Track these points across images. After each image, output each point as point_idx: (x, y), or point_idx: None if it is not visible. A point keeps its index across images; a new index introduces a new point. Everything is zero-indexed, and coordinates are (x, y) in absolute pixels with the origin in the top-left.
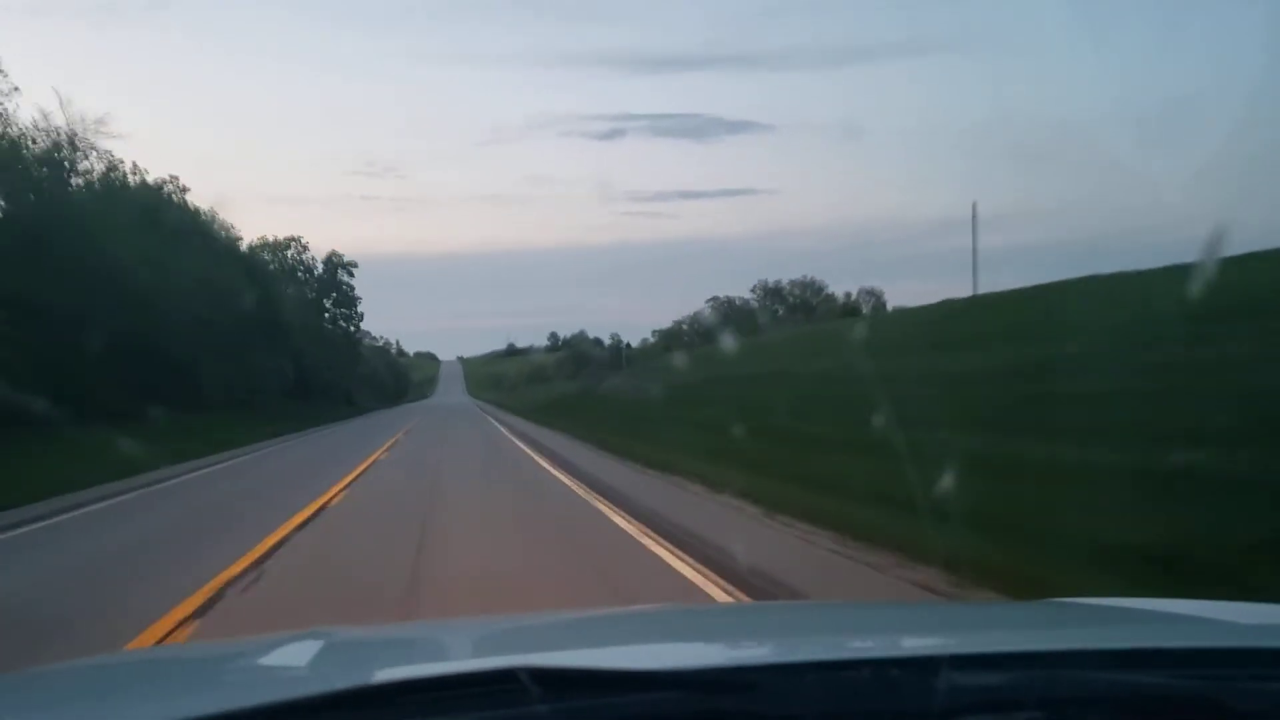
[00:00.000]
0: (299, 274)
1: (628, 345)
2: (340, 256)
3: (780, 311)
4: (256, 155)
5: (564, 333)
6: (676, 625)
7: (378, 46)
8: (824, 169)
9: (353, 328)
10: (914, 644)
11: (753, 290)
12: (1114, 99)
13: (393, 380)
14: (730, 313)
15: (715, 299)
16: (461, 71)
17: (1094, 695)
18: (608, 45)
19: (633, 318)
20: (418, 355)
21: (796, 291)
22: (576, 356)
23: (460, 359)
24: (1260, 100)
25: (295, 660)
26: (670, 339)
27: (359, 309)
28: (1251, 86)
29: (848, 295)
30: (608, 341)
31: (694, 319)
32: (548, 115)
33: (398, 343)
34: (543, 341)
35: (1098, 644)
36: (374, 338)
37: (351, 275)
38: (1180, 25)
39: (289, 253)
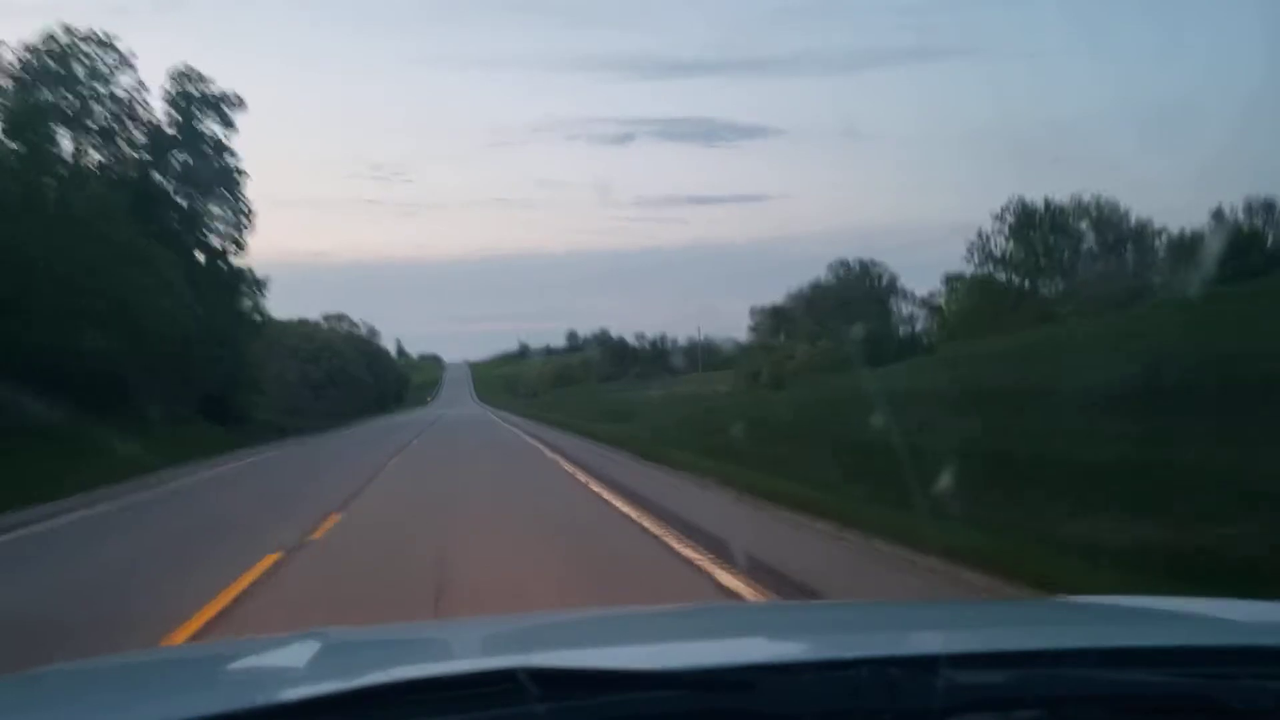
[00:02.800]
0: (107, 116)
1: (731, 339)
2: (204, 83)
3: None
4: (262, 157)
5: (583, 332)
6: (675, 625)
7: (383, 50)
8: (836, 174)
9: (230, 244)
10: (913, 643)
11: (999, 216)
12: (1126, 101)
13: (374, 380)
14: (861, 281)
15: (843, 263)
16: (468, 75)
17: (1094, 694)
18: (617, 50)
19: (642, 323)
20: (421, 358)
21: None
22: (613, 355)
23: (468, 362)
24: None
25: (293, 661)
26: (783, 321)
27: (246, 201)
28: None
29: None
30: (629, 342)
31: (814, 294)
32: (556, 119)
33: (399, 342)
34: (554, 344)
35: (1098, 642)
36: (354, 322)
37: (230, 125)
38: (1184, 27)
39: (78, 67)
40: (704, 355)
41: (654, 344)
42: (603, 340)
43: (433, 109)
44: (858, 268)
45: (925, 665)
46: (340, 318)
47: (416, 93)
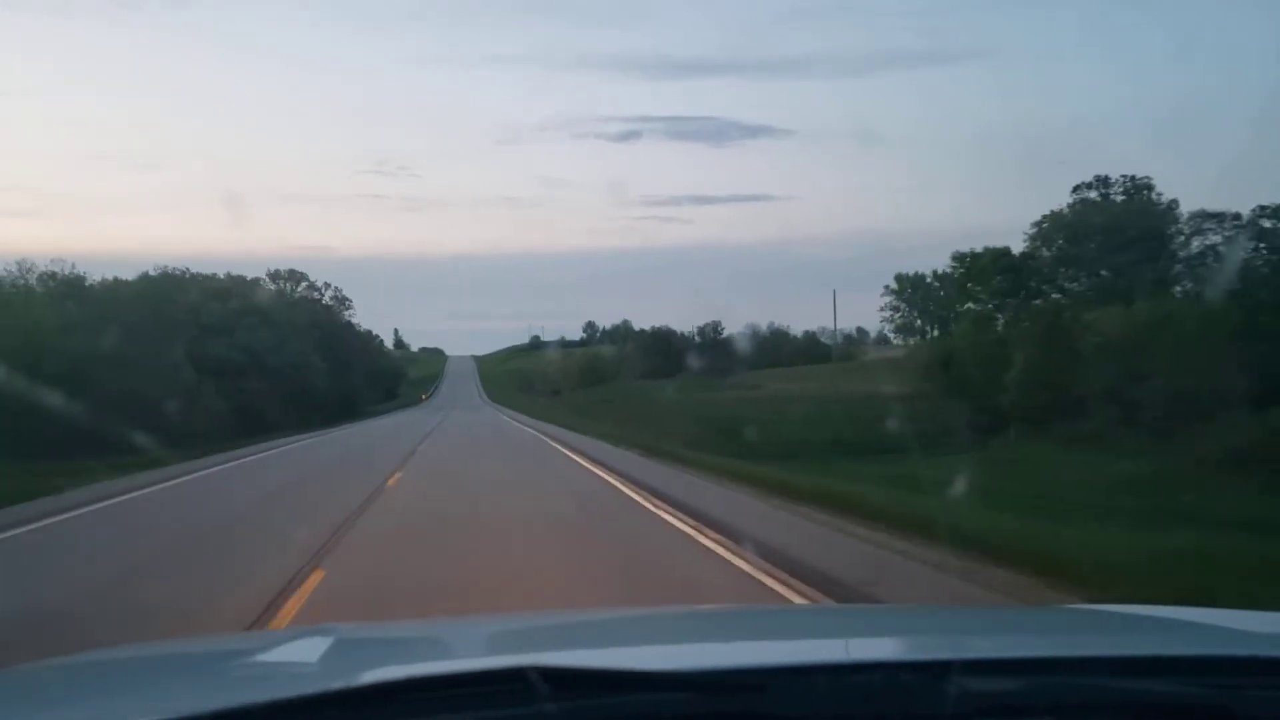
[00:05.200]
0: None
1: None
2: None
3: None
4: (270, 154)
5: (601, 324)
6: (686, 626)
7: (391, 47)
8: (842, 175)
9: None
10: (926, 648)
11: None
12: (1133, 105)
13: (338, 368)
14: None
15: (1100, 181)
16: (476, 73)
17: (1105, 702)
18: (624, 49)
19: (650, 321)
20: (422, 351)
21: None
22: (653, 346)
23: (473, 356)
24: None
25: (305, 656)
26: (1013, 271)
27: None
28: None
29: None
30: (675, 331)
31: (1065, 223)
32: (563, 117)
33: (397, 333)
34: (568, 337)
35: (1109, 650)
36: (314, 286)
37: None
38: (1200, 28)
39: None
40: (783, 345)
41: (703, 333)
42: (623, 333)
43: (439, 106)
44: (1122, 188)
45: (938, 671)
46: (293, 276)
47: (423, 90)
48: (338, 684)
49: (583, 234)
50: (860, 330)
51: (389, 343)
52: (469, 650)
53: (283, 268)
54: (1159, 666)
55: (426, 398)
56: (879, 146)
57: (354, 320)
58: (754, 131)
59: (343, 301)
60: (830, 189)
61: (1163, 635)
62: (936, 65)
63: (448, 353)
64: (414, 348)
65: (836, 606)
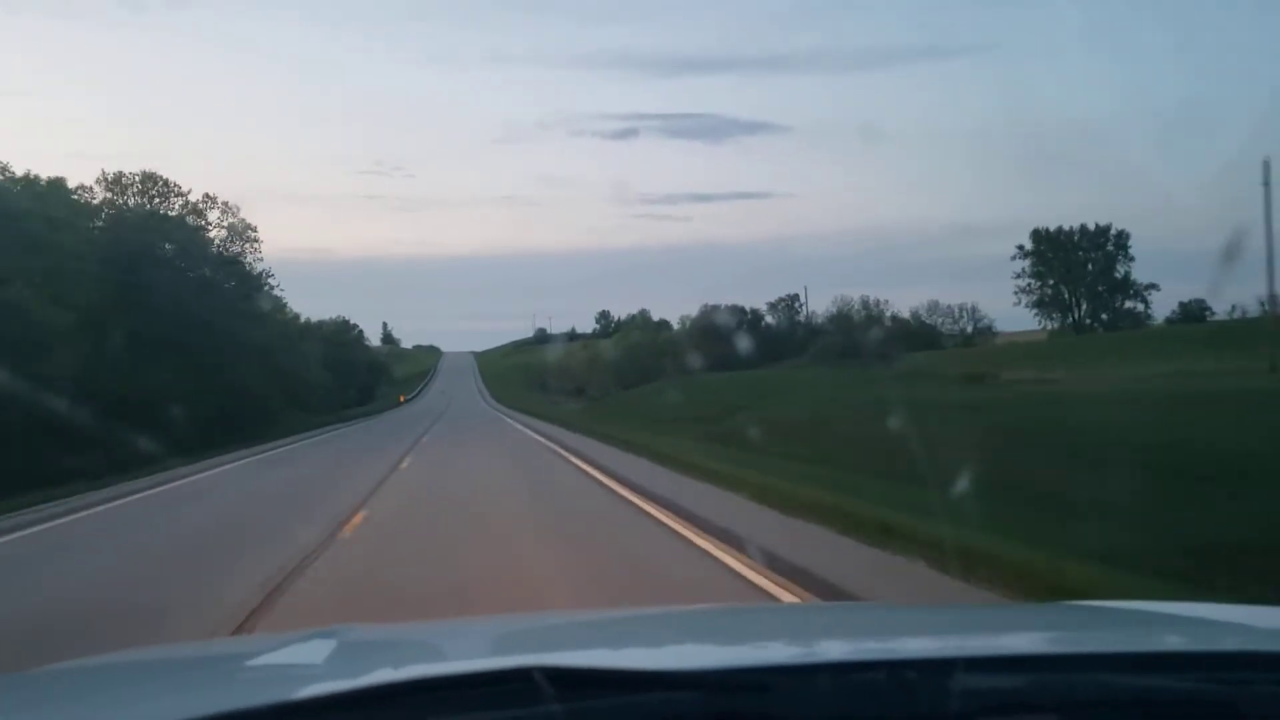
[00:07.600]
0: None
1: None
2: None
3: None
4: (269, 154)
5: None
6: (691, 626)
7: (389, 47)
8: (842, 172)
9: None
10: (929, 646)
11: None
12: (1135, 102)
13: (205, 350)
14: None
15: None
16: (472, 72)
17: (1111, 699)
18: (621, 46)
19: (663, 314)
20: (416, 348)
21: None
22: (715, 328)
23: (472, 352)
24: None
25: (311, 658)
26: None
27: None
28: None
29: None
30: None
31: None
32: (560, 115)
33: (385, 327)
34: (577, 329)
35: (1115, 647)
36: (198, 207)
37: None
38: (1203, 27)
39: None
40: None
41: (776, 311)
42: (639, 322)
43: (436, 105)
44: None
45: (942, 669)
46: (149, 185)
47: (420, 89)
48: (343, 685)
49: (582, 232)
50: (895, 316)
51: (377, 338)
52: (474, 651)
53: (284, 270)
54: (1165, 663)
55: (405, 400)
56: (878, 142)
57: (268, 274)
58: (752, 128)
59: (243, 233)
60: (829, 185)
61: (1166, 631)
62: (935, 61)
63: (444, 349)
64: (406, 344)
65: (839, 605)
